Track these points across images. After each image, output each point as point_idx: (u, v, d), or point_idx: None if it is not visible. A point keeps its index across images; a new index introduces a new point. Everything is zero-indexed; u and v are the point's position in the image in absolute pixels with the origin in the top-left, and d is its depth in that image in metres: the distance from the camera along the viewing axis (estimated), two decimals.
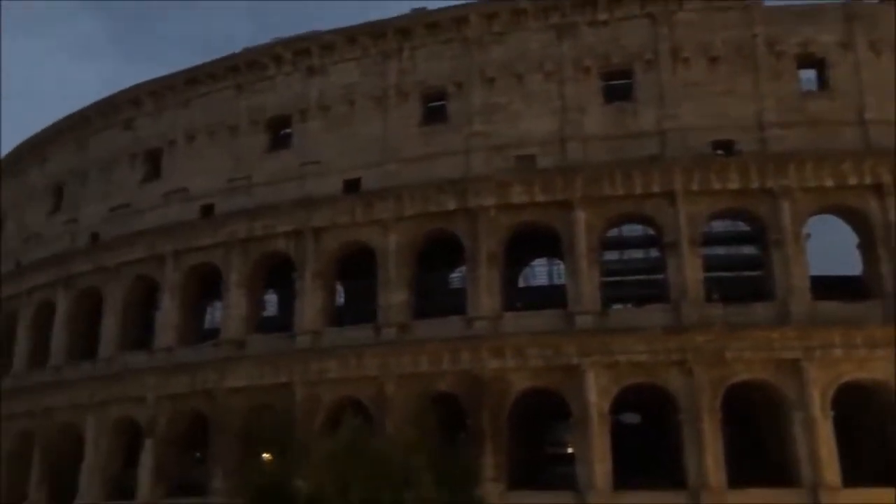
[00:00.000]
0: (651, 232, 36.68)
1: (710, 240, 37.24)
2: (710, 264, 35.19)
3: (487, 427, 31.60)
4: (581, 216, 33.54)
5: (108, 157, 45.55)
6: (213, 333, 40.48)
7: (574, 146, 34.85)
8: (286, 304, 40.55)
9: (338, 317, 38.27)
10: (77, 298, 44.02)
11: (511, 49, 36.81)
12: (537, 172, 34.66)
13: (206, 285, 40.89)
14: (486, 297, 33.71)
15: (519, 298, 38.35)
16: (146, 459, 37.65)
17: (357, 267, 37.42)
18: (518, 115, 35.89)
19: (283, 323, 38.98)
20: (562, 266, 36.80)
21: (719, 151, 34.06)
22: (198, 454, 39.95)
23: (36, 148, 51.05)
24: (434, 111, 37.53)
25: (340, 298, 41.92)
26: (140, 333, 41.83)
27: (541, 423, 37.92)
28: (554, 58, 36.10)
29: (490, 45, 37.10)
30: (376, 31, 38.86)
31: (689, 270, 32.42)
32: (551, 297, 36.00)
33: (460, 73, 37.04)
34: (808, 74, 35.49)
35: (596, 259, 33.88)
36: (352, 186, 37.44)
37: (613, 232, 37.88)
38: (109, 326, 41.72)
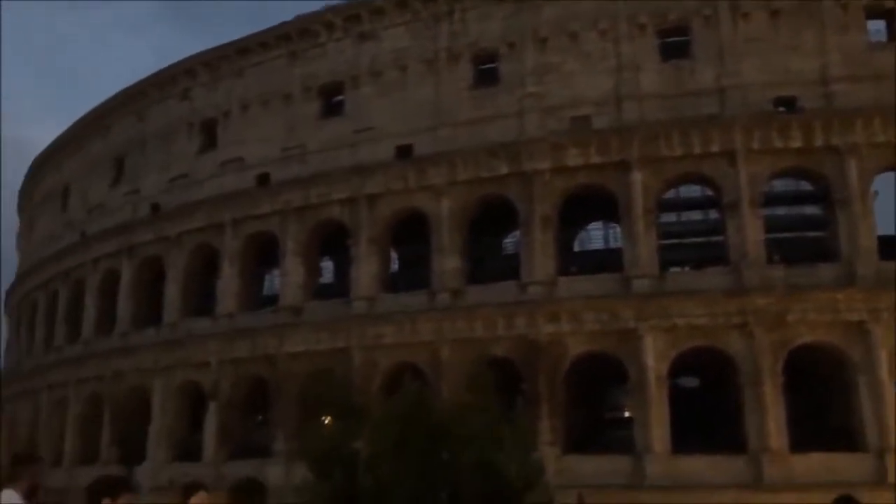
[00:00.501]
0: (710, 193, 35.82)
1: (772, 200, 36.19)
2: (771, 225, 34.26)
3: (543, 391, 31.62)
4: (638, 177, 32.92)
5: (166, 129, 46.37)
6: (272, 300, 41.25)
7: (630, 106, 34.11)
8: (342, 271, 40.99)
9: (392, 283, 38.55)
10: (140, 267, 45.26)
11: (564, 7, 36.02)
12: (592, 133, 34.06)
13: (264, 253, 41.56)
14: (540, 262, 33.50)
15: (574, 263, 38.00)
16: (210, 422, 38.80)
17: (411, 233, 37.52)
18: (572, 75, 35.23)
19: (339, 290, 39.45)
20: (618, 229, 36.30)
21: (781, 108, 32.94)
22: (259, 417, 40.97)
23: (97, 121, 52.25)
24: (486, 73, 37.07)
25: (395, 265, 42.15)
26: (202, 300, 42.83)
27: (597, 387, 37.74)
28: (608, 15, 35.21)
29: (542, 4, 36.36)
30: None
31: (750, 231, 31.63)
32: (607, 260, 35.58)
33: (512, 34, 36.45)
34: (877, 26, 33.93)
35: (653, 221, 33.30)
36: (404, 152, 37.41)
37: (671, 193, 37.05)
38: (172, 294, 42.84)
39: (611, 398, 39.91)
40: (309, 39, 41.29)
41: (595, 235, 41.15)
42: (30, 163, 62.87)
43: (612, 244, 39.18)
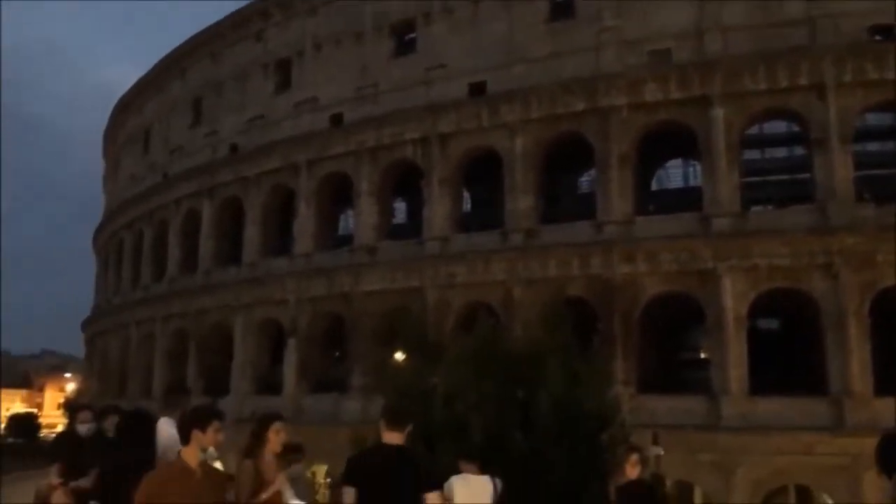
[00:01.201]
0: (796, 128, 34.31)
1: (863, 135, 34.44)
2: (861, 161, 32.67)
3: (618, 331, 31.40)
4: (720, 113, 31.71)
5: (242, 70, 46.87)
6: (347, 240, 41.88)
7: (713, 38, 32.69)
8: (415, 211, 41.18)
9: (465, 223, 38.56)
10: (220, 207, 46.45)
11: None
12: (672, 68, 32.83)
13: (339, 193, 42.04)
14: (617, 201, 32.89)
15: (652, 201, 37.16)
16: (290, 357, 40.06)
17: (484, 172, 37.28)
18: (651, 8, 33.85)
19: (412, 230, 39.72)
20: (698, 167, 35.25)
21: (877, 37, 31.03)
22: (336, 353, 42.08)
23: (175, 63, 53.20)
24: (561, 7, 35.97)
25: (467, 205, 42.09)
26: (280, 240, 43.82)
27: (673, 327, 37.24)
28: None
29: None
30: None
31: (839, 168, 30.26)
32: (686, 199, 34.66)
33: None
34: None
35: (735, 158, 32.15)
36: (477, 90, 36.90)
37: (754, 129, 35.69)
38: (251, 233, 43.93)
39: (687, 339, 39.38)
40: None
41: (674, 173, 40.06)
42: (112, 106, 64.78)
43: (692, 182, 38.12)
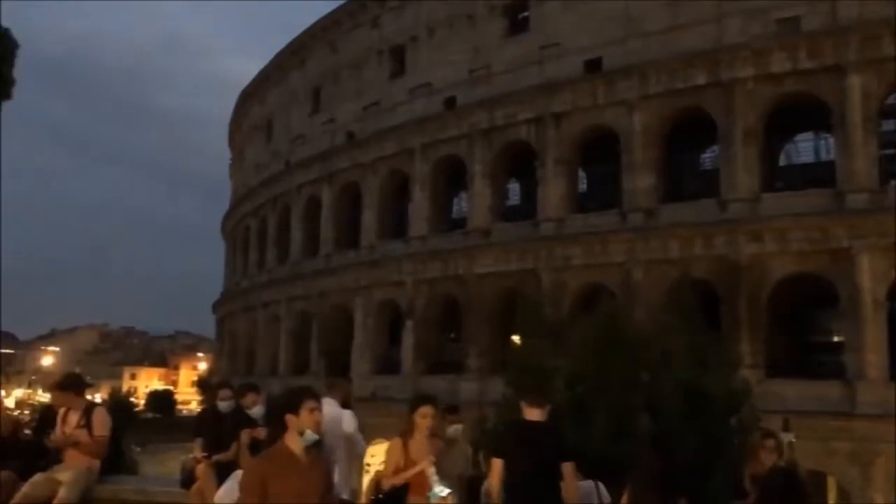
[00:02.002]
0: None
1: None
2: None
3: (744, 314, 30.15)
4: (855, 82, 29.72)
5: (358, 57, 47.76)
6: (461, 222, 42.09)
7: (847, 3, 30.59)
8: (529, 192, 40.85)
9: (581, 203, 37.94)
10: (339, 192, 47.69)
11: None
12: (802, 36, 31.04)
13: (453, 176, 42.25)
14: (742, 178, 31.48)
15: (780, 178, 35.35)
16: (407, 338, 40.79)
17: (600, 151, 36.51)
18: None
19: (526, 211, 39.46)
20: (830, 140, 33.24)
21: None
22: (452, 335, 42.50)
23: (295, 53, 54.82)
24: None
25: (583, 185, 41.39)
26: (396, 223, 44.57)
27: (803, 309, 35.40)
28: None
29: None
30: None
31: None
32: (817, 175, 32.76)
33: None
34: None
35: (872, 130, 30.07)
36: (593, 67, 36.12)
37: (892, 98, 33.25)
38: (369, 218, 44.90)
39: (818, 321, 37.35)
40: None
41: (804, 148, 37.91)
42: (236, 97, 67.53)
43: (824, 157, 35.97)
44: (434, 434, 7.25)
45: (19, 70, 25.04)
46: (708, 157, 37.74)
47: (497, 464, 7.00)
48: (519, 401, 7.42)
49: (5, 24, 24.54)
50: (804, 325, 37.75)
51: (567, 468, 6.87)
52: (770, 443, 8.87)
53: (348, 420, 8.16)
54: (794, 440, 24.20)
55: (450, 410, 10.25)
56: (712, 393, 14.87)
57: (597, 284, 33.35)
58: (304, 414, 5.38)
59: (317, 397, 5.55)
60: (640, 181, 33.86)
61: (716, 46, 32.46)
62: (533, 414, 7.13)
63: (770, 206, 30.96)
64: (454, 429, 10.13)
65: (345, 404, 8.40)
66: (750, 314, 30.17)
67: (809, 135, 37.91)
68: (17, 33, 24.82)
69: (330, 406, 8.03)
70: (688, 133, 34.79)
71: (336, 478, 7.30)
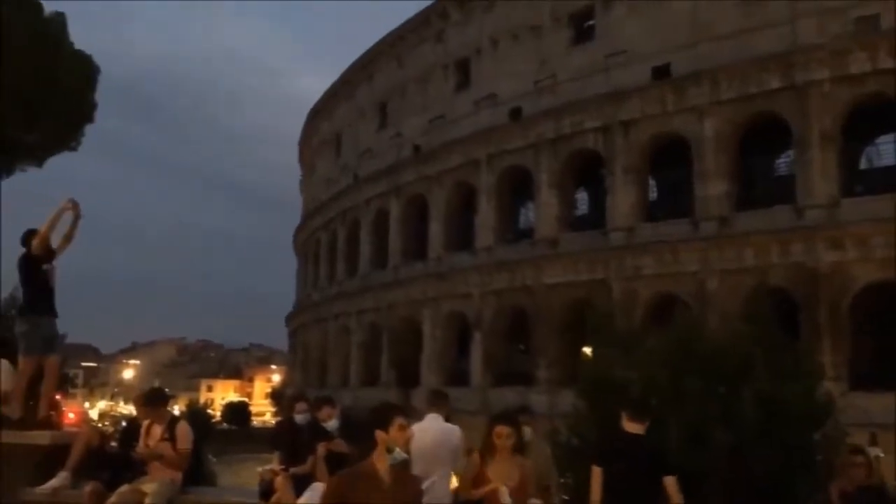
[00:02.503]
0: None
1: None
2: None
3: (825, 324, 29.08)
4: None
5: (423, 71, 48.20)
6: (528, 233, 41.88)
7: None
8: (598, 201, 40.40)
9: (651, 212, 37.30)
10: (406, 205, 48.09)
11: None
12: (882, 35, 29.91)
13: (519, 186, 42.11)
14: (820, 183, 30.46)
15: (860, 182, 34.06)
16: (475, 350, 40.73)
17: (670, 158, 35.85)
18: None
19: (595, 220, 39.00)
20: None
21: None
22: (521, 346, 42.22)
23: (362, 69, 55.69)
24: None
25: (653, 193, 40.69)
26: (462, 235, 44.65)
27: (888, 318, 33.94)
28: None
29: None
30: None
31: None
32: None
33: None
34: None
35: None
36: (661, 73, 35.55)
37: None
38: (435, 229, 45.11)
39: None
40: None
41: (886, 150, 36.42)
42: (305, 115, 68.94)
43: None
44: (517, 450, 7.11)
45: (98, 93, 26.11)
46: (783, 162, 36.66)
47: (597, 472, 7.15)
48: (620, 412, 7.45)
49: (85, 49, 25.64)
50: (889, 334, 36.22)
51: (669, 482, 6.95)
52: (859, 459, 8.50)
53: (459, 435, 8.12)
54: (882, 455, 23.19)
55: (519, 410, 10.16)
56: (793, 405, 14.31)
57: (669, 294, 32.70)
58: (394, 430, 5.23)
59: (406, 414, 5.40)
60: (712, 188, 33.10)
61: (790, 48, 31.55)
62: (633, 427, 7.23)
63: (850, 212, 29.82)
64: (525, 431, 10.02)
65: (447, 419, 8.43)
66: (831, 324, 29.10)
67: (891, 136, 36.48)
68: (95, 58, 25.89)
69: (436, 421, 8.07)
70: (761, 138, 33.86)
71: (442, 496, 7.35)
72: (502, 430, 6.99)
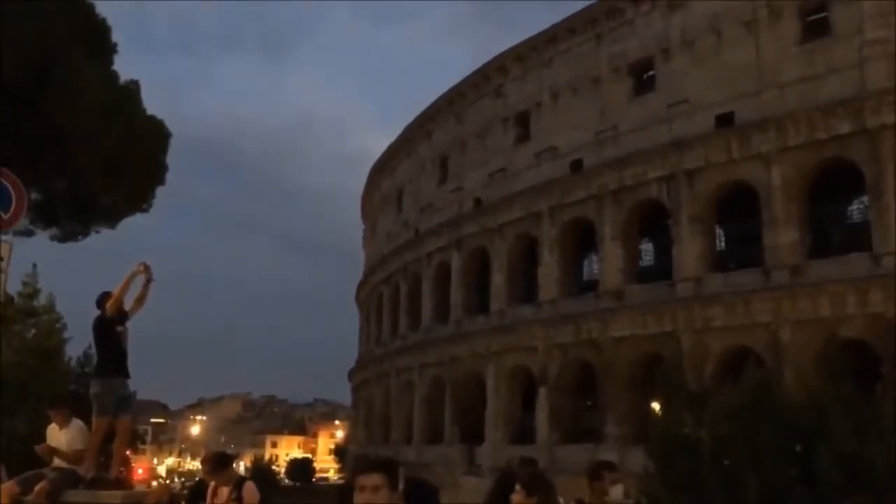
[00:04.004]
0: None
1: None
2: None
3: None
4: None
5: (483, 126, 48.70)
6: (593, 285, 41.35)
7: None
8: (663, 251, 39.72)
9: (720, 262, 36.47)
10: (468, 258, 48.13)
11: None
12: None
13: (582, 238, 41.78)
14: None
15: None
16: (541, 405, 39.99)
17: (737, 207, 35.14)
18: None
19: (661, 271, 38.28)
20: None
21: None
22: (588, 402, 41.32)
23: (422, 125, 56.61)
24: (814, 25, 33.37)
25: (721, 242, 39.84)
26: (525, 287, 44.34)
27: None
28: None
29: None
30: None
31: None
32: None
33: None
34: None
35: None
36: (724, 121, 35.13)
37: None
38: (498, 282, 44.93)
39: None
40: (615, 18, 40.58)
41: None
42: (367, 171, 70.23)
43: None
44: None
45: (170, 154, 27.10)
46: (856, 208, 35.55)
47: None
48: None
49: (159, 114, 26.75)
50: None
51: None
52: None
53: None
54: None
55: (608, 468, 9.83)
56: (877, 465, 13.54)
57: (741, 347, 31.62)
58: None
59: (615, 471, 6.03)
60: (783, 237, 32.23)
61: (859, 93, 30.85)
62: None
63: None
64: (616, 489, 9.69)
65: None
66: None
67: None
68: (167, 120, 26.95)
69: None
70: (832, 184, 32.98)
71: None
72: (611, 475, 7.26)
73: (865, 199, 32.53)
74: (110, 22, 23.91)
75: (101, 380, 9.48)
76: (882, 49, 30.90)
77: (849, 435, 14.56)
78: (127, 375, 9.65)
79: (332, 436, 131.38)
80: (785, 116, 32.53)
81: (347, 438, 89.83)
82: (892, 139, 29.82)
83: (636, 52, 39.58)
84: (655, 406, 23.26)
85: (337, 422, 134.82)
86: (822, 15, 33.24)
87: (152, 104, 26.51)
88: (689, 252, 35.22)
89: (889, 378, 27.93)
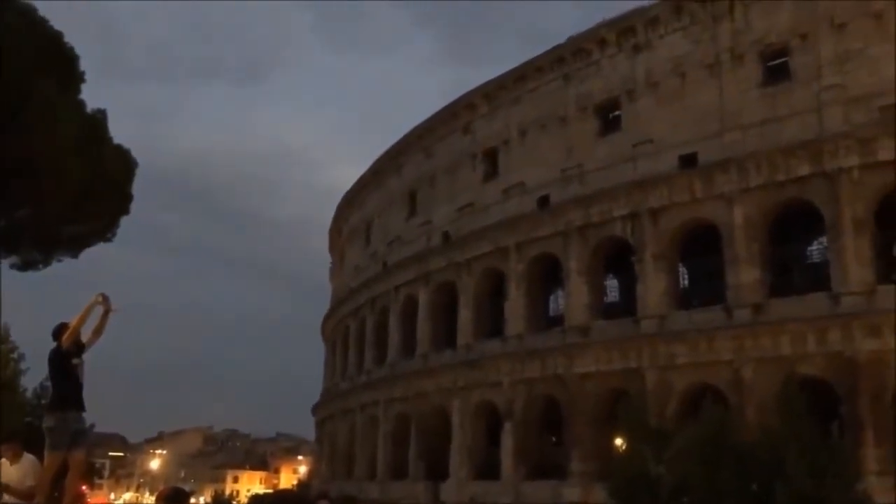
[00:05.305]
0: None
1: None
2: None
3: (866, 415, 28.10)
4: None
5: (452, 161, 49.04)
6: (558, 320, 41.53)
7: None
8: (628, 288, 40.12)
9: (683, 299, 36.91)
10: (436, 292, 48.09)
11: None
12: None
13: (549, 274, 42.03)
14: (854, 270, 30.00)
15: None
16: (506, 441, 39.81)
17: (700, 246, 35.71)
18: (878, 60, 31.34)
19: (626, 308, 38.64)
20: None
21: None
22: (553, 438, 41.25)
23: (392, 159, 56.83)
24: (775, 70, 34.36)
25: (684, 280, 40.36)
26: (492, 322, 44.38)
27: None
28: None
29: None
30: None
31: None
32: None
33: (804, 24, 33.43)
34: None
35: None
36: (688, 162, 35.82)
37: None
38: (465, 317, 44.91)
39: None
40: (582, 59, 41.36)
41: None
42: (336, 204, 70.13)
43: None
44: None
45: (136, 185, 26.89)
46: (816, 248, 36.33)
47: None
48: None
49: (127, 143, 26.60)
50: None
51: None
52: None
53: None
54: None
55: None
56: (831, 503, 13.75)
57: (704, 384, 31.93)
58: None
59: None
60: (744, 275, 32.76)
61: (818, 136, 31.71)
62: None
63: (887, 299, 29.19)
64: None
65: None
66: (873, 415, 28.10)
67: None
68: (135, 151, 26.81)
69: None
70: (793, 225, 33.72)
71: None
72: None
73: (824, 239, 33.22)
74: (79, 51, 23.87)
75: (56, 414, 9.30)
76: (839, 94, 31.88)
77: (805, 475, 14.78)
78: (82, 409, 9.47)
79: (295, 471, 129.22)
80: (746, 157, 33.27)
81: (310, 474, 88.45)
82: (849, 182, 30.63)
83: (602, 93, 40.32)
84: (619, 443, 23.40)
85: (300, 457, 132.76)
86: (782, 60, 34.23)
87: (123, 132, 26.40)
88: (653, 289, 35.61)
89: (849, 417, 28.42)
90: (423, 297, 48.68)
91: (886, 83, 30.87)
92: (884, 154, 30.12)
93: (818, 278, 31.96)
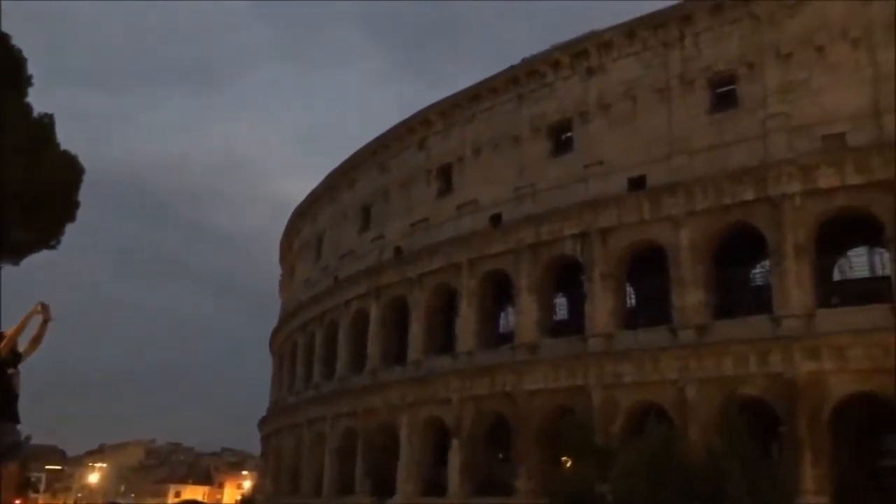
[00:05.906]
0: None
1: None
2: None
3: (804, 435, 28.81)
4: None
5: (406, 177, 49.11)
6: (509, 337, 41.75)
7: (892, 119, 30.66)
8: (576, 307, 40.58)
9: (630, 319, 37.46)
10: (387, 307, 47.93)
11: (808, 20, 33.48)
12: (849, 152, 31.05)
13: (500, 291, 42.28)
14: (795, 293, 30.85)
15: (835, 293, 34.59)
16: (454, 458, 39.76)
17: (648, 267, 36.34)
18: (821, 91, 32.49)
19: (574, 326, 39.04)
20: (885, 255, 32.58)
21: None
22: (501, 455, 41.31)
23: (346, 173, 56.63)
24: (723, 97, 35.32)
25: (631, 300, 40.99)
26: (443, 338, 44.38)
27: (870, 431, 33.73)
28: (861, 23, 32.19)
29: (783, 20, 34.09)
30: (657, 21, 37.55)
31: None
32: (874, 290, 31.95)
33: (751, 53, 34.48)
34: None
35: None
36: (637, 184, 36.51)
37: None
38: (416, 332, 44.84)
39: (888, 444, 35.50)
40: (536, 80, 41.94)
41: (858, 263, 37.17)
42: (287, 217, 69.52)
43: (880, 272, 35.19)
44: None
45: (85, 192, 26.31)
46: (759, 272, 37.29)
47: None
48: None
49: (75, 150, 26.03)
50: (873, 447, 35.92)
51: None
52: None
53: None
54: None
55: None
56: None
57: (650, 403, 32.41)
58: None
59: None
60: (689, 297, 33.41)
61: (763, 163, 32.63)
62: None
63: (826, 322, 30.12)
64: None
65: None
66: (811, 435, 28.82)
67: (863, 249, 37.36)
68: (83, 159, 26.25)
69: None
70: (737, 248, 34.54)
71: None
72: None
73: (767, 263, 34.10)
74: (27, 53, 23.34)
75: None
76: (783, 122, 32.89)
77: (745, 494, 15.10)
78: (17, 420, 9.20)
79: (240, 486, 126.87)
80: (694, 181, 34.04)
81: (255, 489, 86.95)
82: (791, 208, 31.55)
83: (555, 114, 40.91)
84: (566, 461, 23.60)
85: (245, 472, 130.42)
86: (730, 87, 35.20)
87: (74, 139, 25.82)
88: (601, 308, 36.07)
89: (788, 437, 29.12)
90: (375, 312, 48.48)
91: (829, 113, 31.98)
92: (825, 182, 31.13)
93: (760, 301, 32.77)
